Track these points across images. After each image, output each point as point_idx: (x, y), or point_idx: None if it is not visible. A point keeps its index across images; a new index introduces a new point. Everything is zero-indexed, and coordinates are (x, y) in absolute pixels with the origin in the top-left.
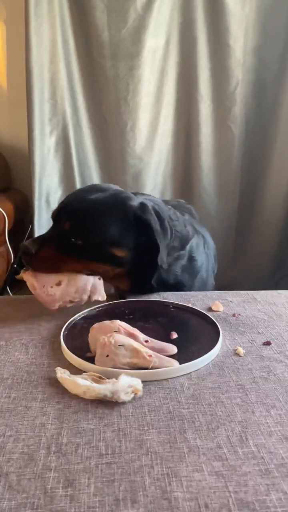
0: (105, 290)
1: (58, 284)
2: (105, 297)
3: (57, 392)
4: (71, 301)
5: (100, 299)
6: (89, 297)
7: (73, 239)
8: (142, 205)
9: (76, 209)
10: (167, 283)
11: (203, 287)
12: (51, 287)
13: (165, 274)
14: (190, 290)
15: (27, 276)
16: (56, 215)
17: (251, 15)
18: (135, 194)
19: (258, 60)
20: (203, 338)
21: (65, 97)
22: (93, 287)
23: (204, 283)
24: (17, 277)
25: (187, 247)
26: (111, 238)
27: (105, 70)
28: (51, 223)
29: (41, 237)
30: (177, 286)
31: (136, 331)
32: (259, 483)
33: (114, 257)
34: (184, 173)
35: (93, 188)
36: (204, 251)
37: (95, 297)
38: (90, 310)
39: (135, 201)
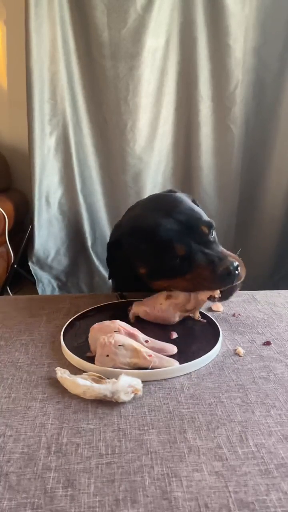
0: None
1: (168, 298)
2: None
3: (57, 392)
4: (187, 310)
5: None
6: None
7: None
8: None
9: (201, 214)
10: None
11: None
12: (161, 304)
13: None
14: None
15: (136, 309)
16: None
17: (251, 15)
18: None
19: (258, 60)
20: (203, 338)
21: (65, 97)
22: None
23: None
24: (131, 316)
25: None
26: None
27: (105, 70)
28: (51, 223)
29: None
30: None
31: (136, 331)
32: (259, 483)
33: None
34: (184, 173)
35: (172, 198)
36: None
37: (205, 296)
38: (89, 310)
39: None
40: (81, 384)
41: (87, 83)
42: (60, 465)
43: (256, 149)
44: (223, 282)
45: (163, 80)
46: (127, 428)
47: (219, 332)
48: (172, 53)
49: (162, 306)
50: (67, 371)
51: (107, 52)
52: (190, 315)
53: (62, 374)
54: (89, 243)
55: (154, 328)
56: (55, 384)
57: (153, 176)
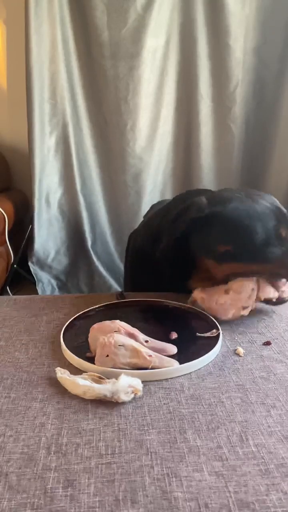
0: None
1: (227, 292)
2: (276, 293)
3: (57, 392)
4: (244, 307)
5: (271, 295)
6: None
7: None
8: None
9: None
10: None
11: None
12: (219, 296)
13: None
14: None
15: (196, 294)
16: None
17: (251, 15)
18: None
19: (258, 60)
20: (203, 338)
21: (65, 97)
22: (260, 287)
23: None
24: (189, 301)
25: None
26: None
27: (105, 70)
28: (51, 223)
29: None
30: None
31: (136, 331)
32: (259, 483)
33: None
34: (184, 173)
35: (256, 191)
36: None
37: (265, 296)
38: (89, 310)
39: None
40: (81, 384)
41: (87, 83)
42: (60, 465)
43: (256, 149)
44: None
45: (163, 80)
46: (127, 428)
47: (219, 332)
48: (172, 53)
49: (220, 299)
50: (67, 371)
51: (107, 52)
52: (243, 313)
53: (62, 374)
54: (89, 243)
55: (154, 328)
56: (55, 384)
57: (153, 176)
